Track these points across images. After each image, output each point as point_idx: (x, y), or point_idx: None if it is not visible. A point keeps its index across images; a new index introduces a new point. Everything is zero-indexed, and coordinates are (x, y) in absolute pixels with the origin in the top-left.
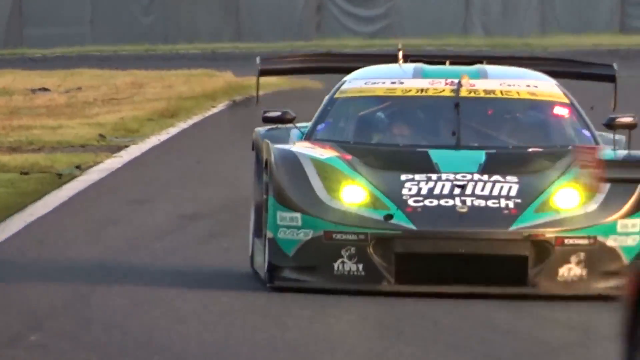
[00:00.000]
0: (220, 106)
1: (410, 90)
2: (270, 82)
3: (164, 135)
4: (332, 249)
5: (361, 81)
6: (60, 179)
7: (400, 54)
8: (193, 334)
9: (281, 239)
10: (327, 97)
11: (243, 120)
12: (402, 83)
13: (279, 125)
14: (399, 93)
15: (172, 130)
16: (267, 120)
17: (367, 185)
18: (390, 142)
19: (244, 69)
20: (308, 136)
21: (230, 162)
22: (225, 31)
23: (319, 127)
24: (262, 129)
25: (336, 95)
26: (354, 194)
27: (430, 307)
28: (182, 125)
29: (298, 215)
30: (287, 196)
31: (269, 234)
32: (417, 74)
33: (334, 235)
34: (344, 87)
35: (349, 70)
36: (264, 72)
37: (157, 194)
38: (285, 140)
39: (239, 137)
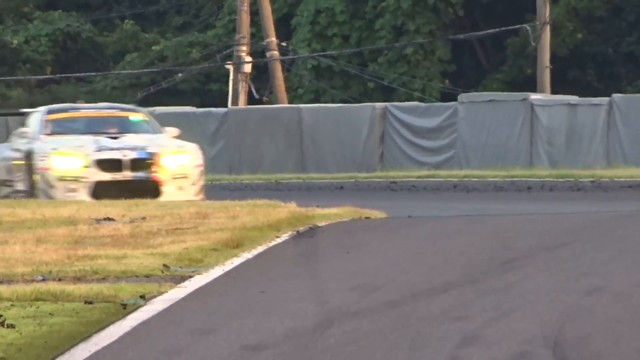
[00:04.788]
0: (284, 236)
1: None
2: None
3: (228, 266)
4: None
5: None
6: (125, 309)
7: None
8: None
9: None
10: None
11: (307, 250)
12: None
13: None
14: None
15: (236, 261)
16: None
17: None
18: None
19: (308, 200)
20: None
21: (294, 293)
22: (289, 161)
23: None
24: None
25: None
26: None
27: None
28: (247, 255)
29: None
30: None
31: None
32: None
33: None
34: None
35: None
36: None
37: (221, 324)
38: None
39: (302, 268)
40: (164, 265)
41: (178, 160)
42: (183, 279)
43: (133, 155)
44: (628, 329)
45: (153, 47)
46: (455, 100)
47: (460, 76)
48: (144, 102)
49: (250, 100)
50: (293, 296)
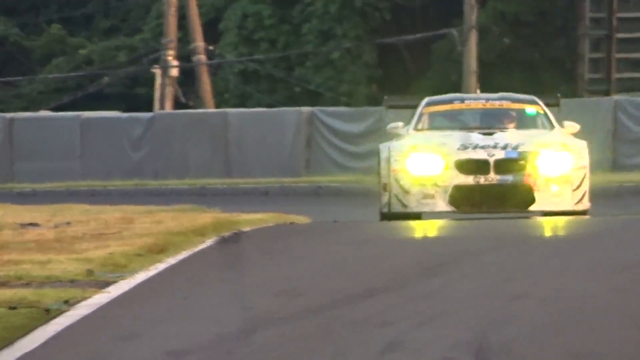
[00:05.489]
0: (209, 242)
1: None
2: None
3: (152, 271)
4: None
5: None
6: (48, 314)
7: None
8: None
9: None
10: None
11: (231, 256)
12: None
13: None
14: None
15: (161, 266)
16: None
17: None
18: None
19: (233, 205)
20: None
21: (218, 298)
22: (214, 166)
23: None
24: None
25: None
26: None
27: None
28: (171, 260)
29: None
30: None
31: None
32: None
33: None
34: None
35: None
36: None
37: (145, 329)
38: None
39: (227, 273)
40: (88, 271)
41: (557, 161)
42: (107, 284)
43: (500, 154)
44: (552, 334)
45: (80, 51)
46: (382, 105)
47: (387, 81)
48: (71, 107)
49: (177, 104)
50: (217, 302)
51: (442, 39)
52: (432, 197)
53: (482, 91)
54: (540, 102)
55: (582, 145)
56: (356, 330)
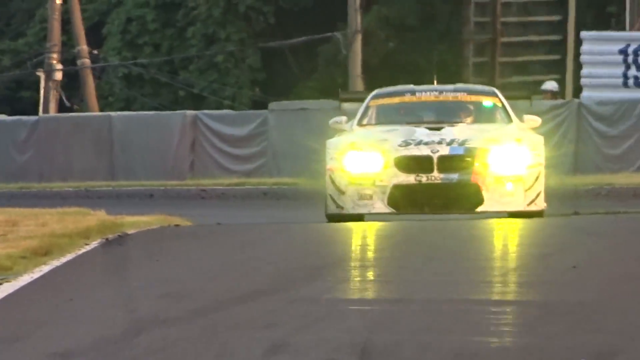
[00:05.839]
0: (94, 244)
1: None
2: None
3: (36, 273)
4: None
5: None
6: None
7: None
8: None
9: None
10: None
11: (116, 258)
12: None
13: None
14: None
15: (45, 268)
16: None
17: None
18: None
19: (118, 208)
20: None
21: (103, 301)
22: (99, 169)
23: None
24: None
25: None
26: None
27: None
28: (55, 263)
29: None
30: None
31: None
32: None
33: None
34: None
35: None
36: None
37: (28, 332)
38: None
39: (111, 276)
40: None
41: (508, 158)
42: None
43: (444, 151)
44: (436, 336)
45: None
46: (266, 108)
47: (272, 84)
48: None
49: (62, 108)
50: (102, 304)
51: (327, 43)
52: (369, 197)
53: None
54: (500, 94)
55: (538, 140)
56: (240, 332)
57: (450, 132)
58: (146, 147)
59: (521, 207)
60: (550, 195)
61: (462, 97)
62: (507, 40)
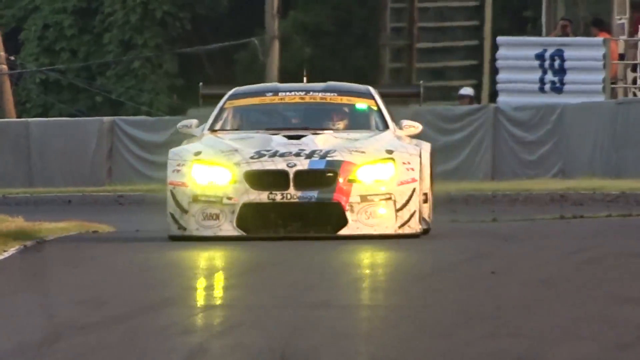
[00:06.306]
0: (12, 251)
1: None
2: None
3: None
4: None
5: None
6: None
7: None
8: None
9: None
10: None
11: (34, 265)
12: None
13: None
14: None
15: None
16: None
17: None
18: None
19: (36, 214)
20: None
21: (21, 308)
22: (17, 176)
23: None
24: None
25: None
26: None
27: None
28: None
29: None
30: None
31: None
32: None
33: None
34: None
35: None
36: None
37: None
38: None
39: (29, 282)
40: None
41: (377, 173)
42: None
43: (303, 164)
44: (354, 342)
45: None
46: (184, 114)
47: (189, 90)
48: None
49: None
50: (20, 311)
51: (245, 49)
52: (216, 217)
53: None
54: (376, 95)
55: (414, 152)
56: (159, 338)
57: (311, 141)
58: (64, 153)
59: (391, 229)
60: (468, 201)
61: (332, 98)
62: (424, 46)
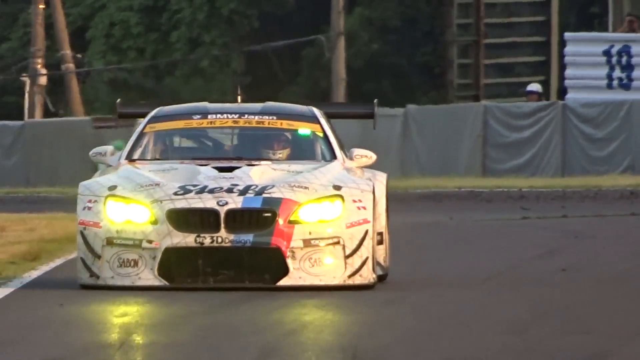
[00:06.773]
0: None
1: None
2: None
3: (26, 278)
4: None
5: None
6: None
7: None
8: None
9: None
10: None
11: None
12: None
13: None
14: None
15: (34, 273)
16: None
17: None
18: None
19: None
20: None
21: (92, 305)
22: (85, 174)
23: None
24: None
25: None
26: None
27: None
28: (45, 268)
29: None
30: None
31: None
32: None
33: None
34: None
35: None
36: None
37: (21, 336)
38: None
39: None
40: None
41: (323, 212)
42: None
43: (236, 202)
44: (426, 339)
45: None
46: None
47: (256, 88)
48: None
49: (47, 113)
50: (91, 308)
51: (311, 46)
52: (134, 264)
53: (352, 97)
54: (322, 118)
55: (366, 187)
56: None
57: (246, 174)
58: None
59: (339, 280)
60: (539, 198)
61: (271, 122)
62: (491, 42)
